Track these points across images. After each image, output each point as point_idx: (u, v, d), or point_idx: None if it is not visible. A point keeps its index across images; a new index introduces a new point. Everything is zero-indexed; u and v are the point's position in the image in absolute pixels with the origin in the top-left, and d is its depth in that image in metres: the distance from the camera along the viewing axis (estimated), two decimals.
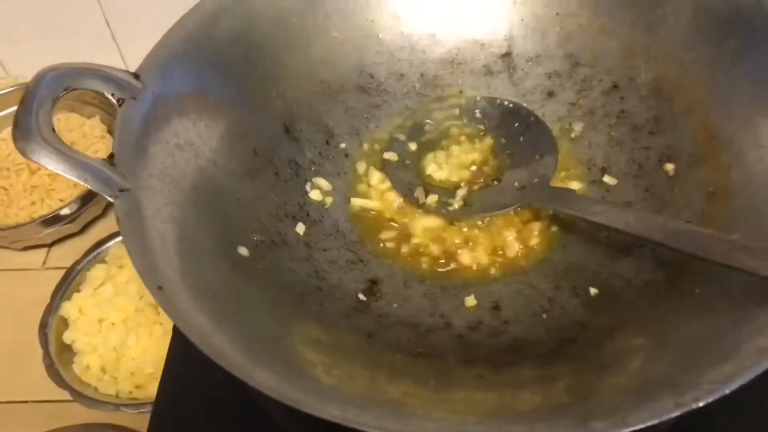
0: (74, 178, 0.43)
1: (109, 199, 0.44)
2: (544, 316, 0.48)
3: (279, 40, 0.59)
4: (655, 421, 0.33)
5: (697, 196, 0.51)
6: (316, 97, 0.61)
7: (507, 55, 0.63)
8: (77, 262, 0.77)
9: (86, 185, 0.43)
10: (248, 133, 0.55)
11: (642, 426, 0.33)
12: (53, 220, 0.78)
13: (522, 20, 0.63)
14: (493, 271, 0.53)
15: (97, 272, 0.75)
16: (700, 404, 0.33)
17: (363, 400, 0.38)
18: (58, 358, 0.70)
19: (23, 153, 0.42)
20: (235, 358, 0.37)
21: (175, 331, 0.57)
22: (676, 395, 0.34)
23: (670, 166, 0.54)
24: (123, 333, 0.70)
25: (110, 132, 0.88)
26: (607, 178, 0.56)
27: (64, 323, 0.73)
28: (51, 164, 0.42)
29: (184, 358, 0.55)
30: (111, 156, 0.45)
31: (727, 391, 0.33)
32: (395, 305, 0.50)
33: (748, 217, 0.46)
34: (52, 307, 0.73)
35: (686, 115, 0.54)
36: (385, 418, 0.35)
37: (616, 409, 0.34)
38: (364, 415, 0.35)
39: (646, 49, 0.58)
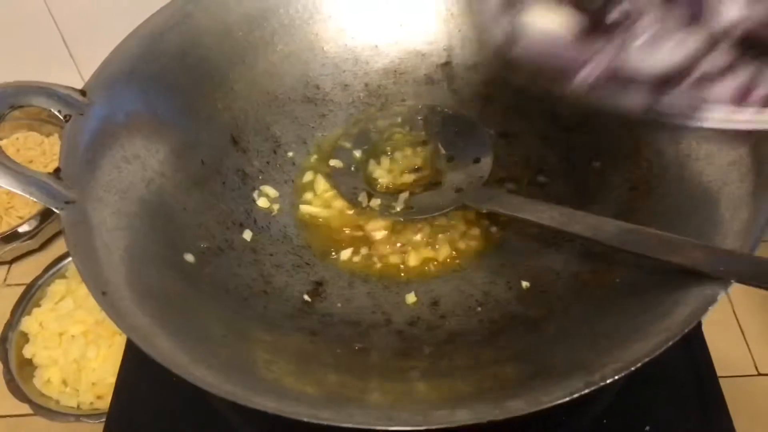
0: (19, 192, 0.44)
1: (55, 210, 0.45)
2: (479, 309, 0.50)
3: (225, 55, 0.61)
4: (566, 399, 0.35)
5: (622, 192, 0.54)
6: (263, 108, 0.63)
7: (447, 65, 0.66)
8: (37, 278, 0.78)
9: (32, 198, 0.45)
10: (196, 145, 0.57)
11: (555, 403, 0.35)
12: (12, 236, 0.79)
13: (459, 31, 0.65)
14: (434, 269, 0.55)
15: (57, 287, 0.77)
16: (607, 381, 0.36)
17: (300, 393, 0.40)
18: (18, 373, 0.71)
19: None
20: (175, 356, 0.39)
21: (129, 340, 0.58)
22: (586, 375, 0.36)
23: (597, 164, 0.57)
24: (83, 345, 0.72)
25: None
26: (541, 178, 0.59)
27: (25, 338, 0.74)
28: None
29: (138, 366, 0.57)
30: (57, 170, 0.47)
31: (632, 369, 0.36)
32: (339, 305, 0.52)
33: (666, 210, 0.49)
34: (12, 323, 0.74)
35: (611, 114, 0.57)
36: (317, 407, 0.37)
37: (531, 389, 0.36)
38: (298, 406, 0.37)
39: None
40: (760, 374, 0.69)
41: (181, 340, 0.41)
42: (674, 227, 0.46)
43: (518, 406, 0.35)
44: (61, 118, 0.51)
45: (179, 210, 0.53)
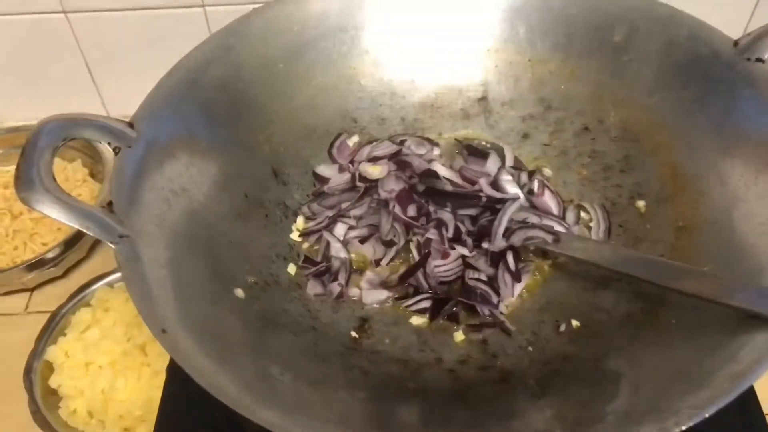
0: (77, 226, 0.44)
1: (110, 245, 0.45)
2: (530, 348, 0.50)
3: (265, 87, 0.62)
4: None
5: (668, 231, 0.54)
6: (302, 141, 0.63)
7: (483, 99, 0.66)
8: (62, 306, 0.77)
9: (88, 233, 0.44)
10: (238, 177, 0.57)
11: None
12: (37, 264, 0.78)
13: (496, 66, 0.66)
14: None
15: (82, 316, 0.76)
16: (682, 428, 0.35)
17: None
18: (44, 403, 0.70)
19: (26, 203, 0.43)
20: (239, 397, 0.39)
21: (169, 372, 0.58)
22: (658, 421, 0.36)
23: (641, 203, 0.57)
24: (111, 376, 0.70)
25: (92, 175, 0.89)
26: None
27: (50, 368, 0.72)
28: (54, 213, 0.43)
29: (178, 399, 0.56)
30: (110, 203, 0.47)
31: (707, 415, 0.36)
32: (387, 341, 0.52)
33: (715, 250, 0.50)
34: (37, 352, 0.73)
35: (653, 154, 0.58)
36: None
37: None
38: None
39: (613, 93, 0.61)
40: None
41: (239, 380, 0.41)
42: (726, 270, 0.47)
43: None
44: (111, 149, 0.51)
45: (225, 243, 0.53)
